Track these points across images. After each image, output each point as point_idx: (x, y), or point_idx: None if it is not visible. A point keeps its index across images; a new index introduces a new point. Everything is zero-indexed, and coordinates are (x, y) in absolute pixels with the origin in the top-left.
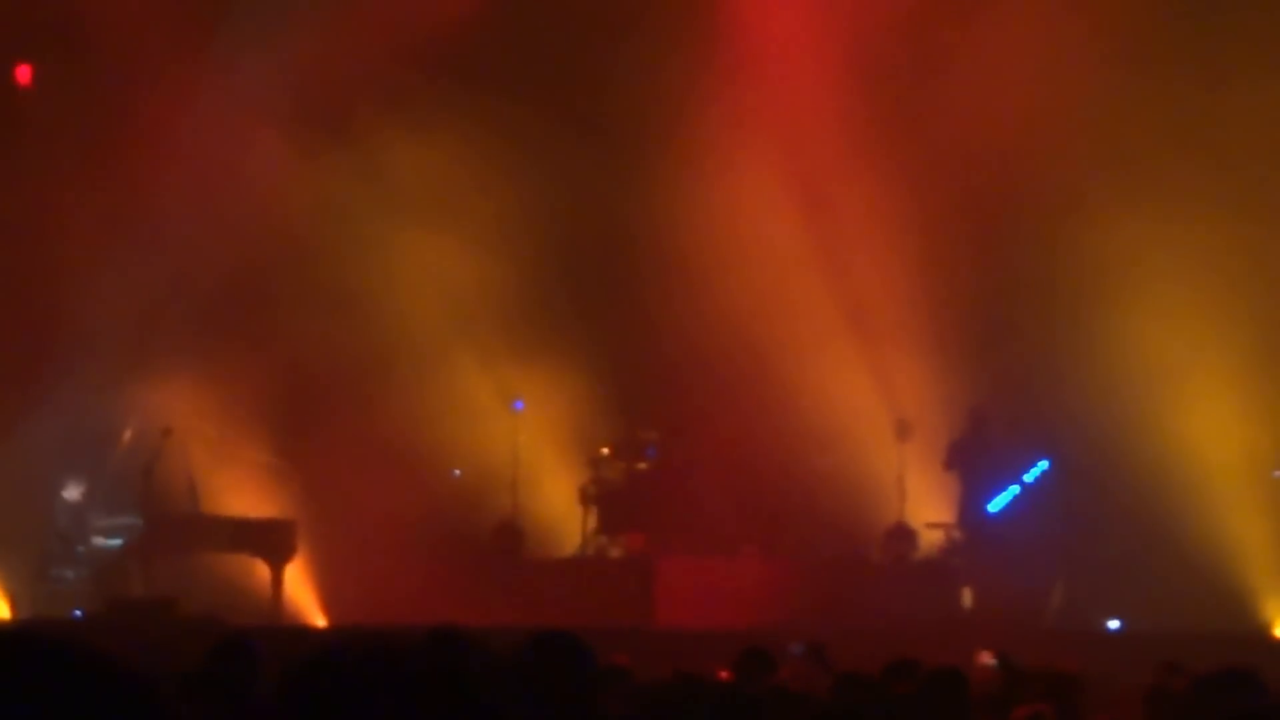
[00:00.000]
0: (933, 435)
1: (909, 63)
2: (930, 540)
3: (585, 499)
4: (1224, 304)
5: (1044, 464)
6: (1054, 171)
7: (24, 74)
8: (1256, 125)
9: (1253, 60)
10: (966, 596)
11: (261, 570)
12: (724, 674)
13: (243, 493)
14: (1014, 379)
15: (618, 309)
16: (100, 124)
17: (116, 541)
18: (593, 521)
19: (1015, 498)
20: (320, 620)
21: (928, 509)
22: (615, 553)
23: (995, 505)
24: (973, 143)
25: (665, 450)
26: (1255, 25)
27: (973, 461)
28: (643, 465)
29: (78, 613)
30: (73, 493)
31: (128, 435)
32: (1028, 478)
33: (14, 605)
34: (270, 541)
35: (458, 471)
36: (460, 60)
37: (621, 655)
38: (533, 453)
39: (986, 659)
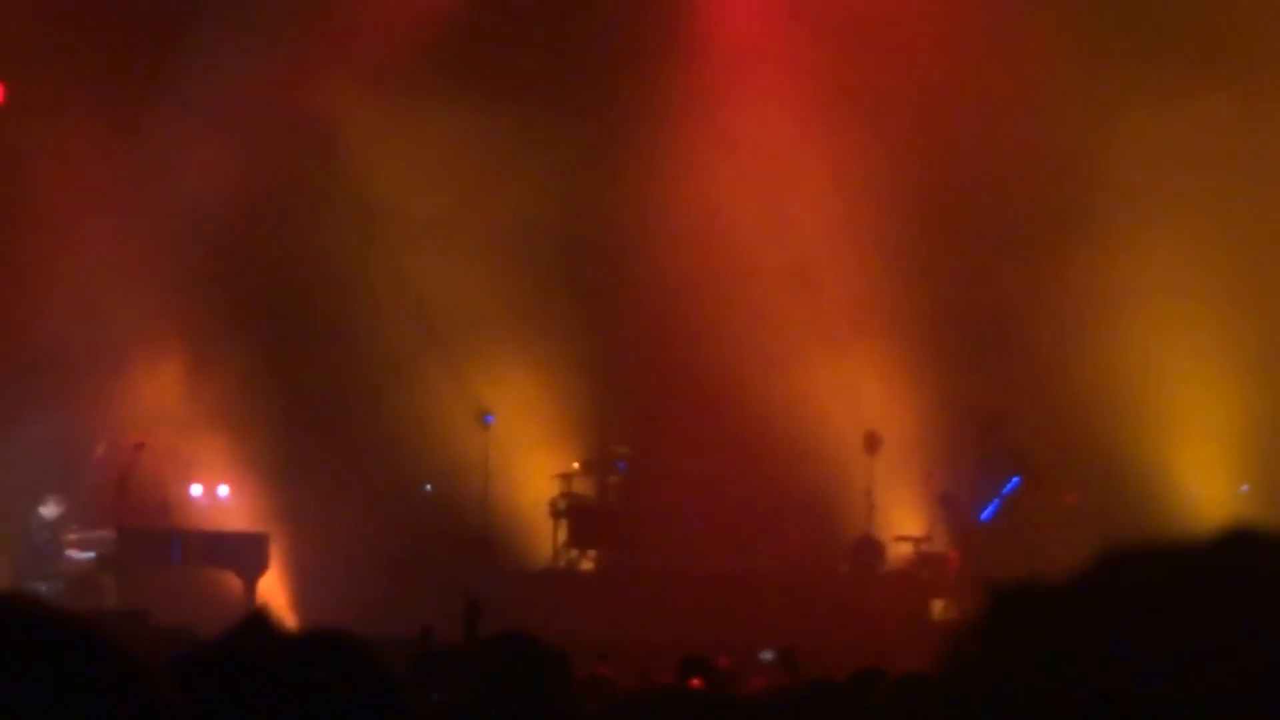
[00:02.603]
0: (901, 449)
1: (885, 74)
2: (899, 553)
3: (556, 513)
4: (1207, 321)
5: (1016, 479)
6: (1030, 187)
7: None
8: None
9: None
10: (935, 608)
11: (235, 582)
12: (695, 682)
13: (216, 506)
14: (985, 392)
15: (588, 324)
16: (63, 140)
17: (90, 555)
18: (563, 535)
19: (995, 510)
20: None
21: (896, 522)
22: (586, 566)
23: (985, 515)
24: (948, 152)
25: (636, 465)
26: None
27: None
28: (613, 480)
29: None
30: (49, 509)
31: (101, 449)
32: (1005, 491)
33: None
34: (244, 555)
35: (429, 486)
36: (433, 75)
37: (604, 666)
38: (503, 467)
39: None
